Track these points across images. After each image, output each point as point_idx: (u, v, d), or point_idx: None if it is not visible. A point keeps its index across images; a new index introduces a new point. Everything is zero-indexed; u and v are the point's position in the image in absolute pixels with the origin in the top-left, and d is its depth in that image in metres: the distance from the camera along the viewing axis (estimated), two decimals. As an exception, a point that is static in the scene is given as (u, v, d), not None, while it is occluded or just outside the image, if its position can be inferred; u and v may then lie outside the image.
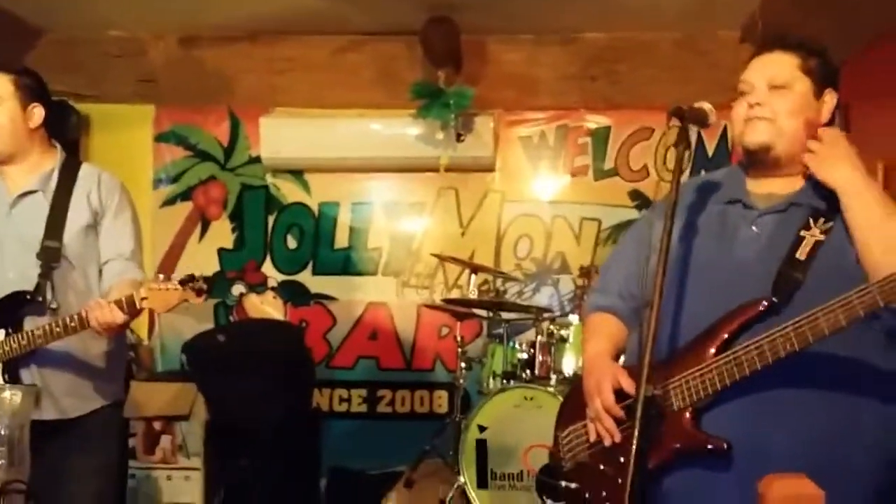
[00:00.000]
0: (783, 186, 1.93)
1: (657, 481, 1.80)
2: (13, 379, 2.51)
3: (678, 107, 1.84)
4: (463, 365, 4.25)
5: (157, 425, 4.25)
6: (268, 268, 5.14)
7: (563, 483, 2.02)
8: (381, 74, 4.95)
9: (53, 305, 2.58)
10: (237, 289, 5.11)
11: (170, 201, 5.14)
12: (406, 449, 4.46)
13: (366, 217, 5.13)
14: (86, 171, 2.76)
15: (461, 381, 4.26)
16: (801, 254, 1.82)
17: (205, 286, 2.46)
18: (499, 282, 4.76)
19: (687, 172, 4.54)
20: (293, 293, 5.11)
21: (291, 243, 5.15)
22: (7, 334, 2.55)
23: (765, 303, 1.77)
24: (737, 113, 1.95)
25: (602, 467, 1.90)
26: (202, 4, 4.51)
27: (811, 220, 1.85)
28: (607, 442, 1.87)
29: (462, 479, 3.80)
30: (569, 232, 5.03)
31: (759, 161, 1.93)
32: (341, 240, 5.13)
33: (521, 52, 4.96)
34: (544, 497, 2.04)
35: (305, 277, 5.13)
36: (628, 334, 2.06)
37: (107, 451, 2.77)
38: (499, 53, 4.97)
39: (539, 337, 4.04)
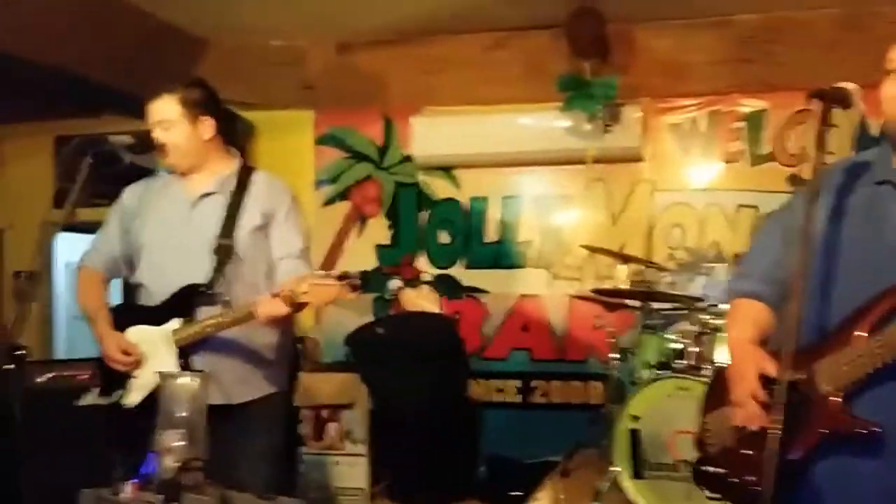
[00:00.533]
0: None
1: (803, 466, 1.78)
2: (186, 365, 2.68)
3: (819, 88, 1.81)
4: (615, 356, 4.25)
5: (324, 413, 4.45)
6: (422, 262, 5.30)
7: (710, 468, 2.02)
8: (528, 69, 4.97)
9: (225, 298, 2.74)
10: (394, 283, 5.24)
11: (330, 201, 5.38)
12: (561, 439, 4.52)
13: (515, 210, 5.19)
14: (259, 178, 2.91)
15: (614, 371, 4.25)
16: None
17: (359, 282, 2.58)
18: (650, 272, 4.71)
19: (848, 153, 4.34)
20: (447, 286, 5.24)
21: (444, 238, 5.29)
22: (182, 323, 2.74)
23: (914, 285, 1.72)
24: (887, 92, 1.87)
25: (748, 452, 1.88)
26: (356, 10, 4.66)
27: None
28: (752, 427, 1.86)
29: (617, 470, 3.80)
30: (723, 220, 4.91)
31: None
32: (492, 234, 5.22)
33: (669, 38, 4.86)
34: (701, 486, 2.05)
35: (458, 271, 5.24)
36: (774, 319, 2.03)
37: (270, 437, 2.89)
38: (647, 40, 4.88)
39: (692, 327, 3.97)
